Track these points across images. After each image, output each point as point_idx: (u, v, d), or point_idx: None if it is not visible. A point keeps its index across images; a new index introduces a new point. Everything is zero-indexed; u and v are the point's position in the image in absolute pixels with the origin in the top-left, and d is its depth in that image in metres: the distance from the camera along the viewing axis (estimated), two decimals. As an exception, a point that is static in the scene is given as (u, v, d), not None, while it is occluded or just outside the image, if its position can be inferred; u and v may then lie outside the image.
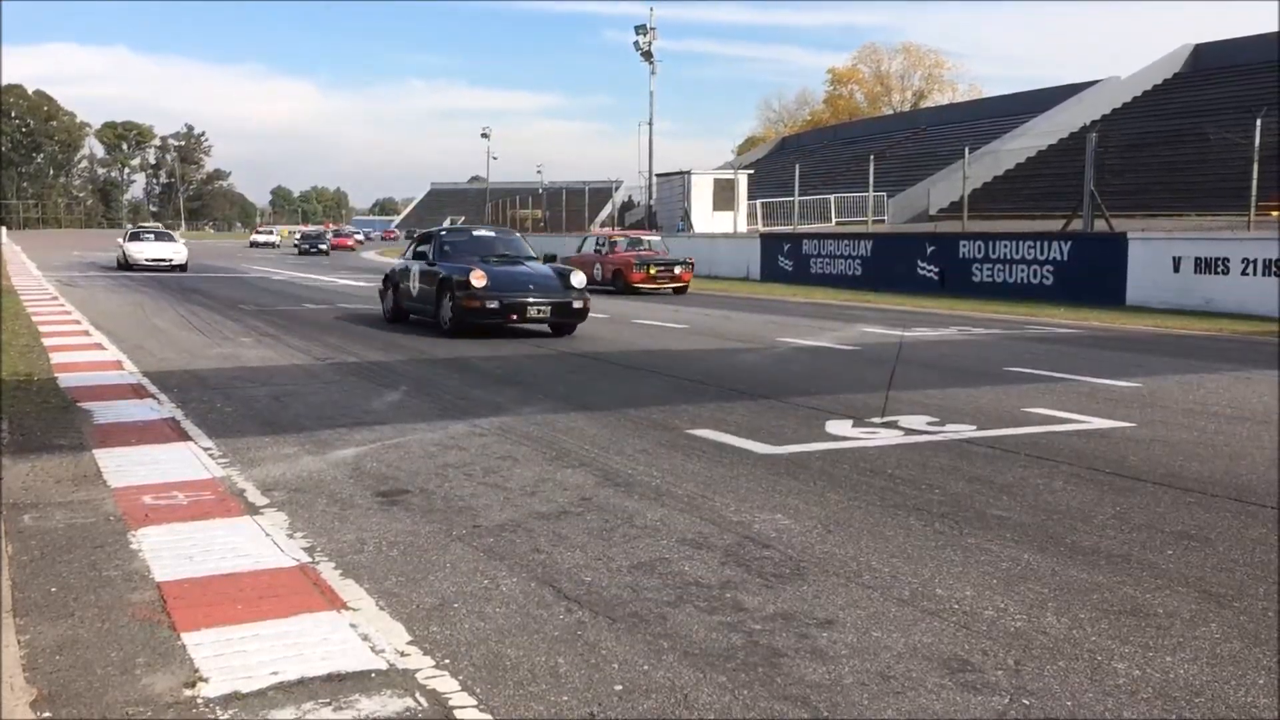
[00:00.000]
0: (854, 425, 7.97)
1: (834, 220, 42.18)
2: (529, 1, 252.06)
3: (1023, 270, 22.84)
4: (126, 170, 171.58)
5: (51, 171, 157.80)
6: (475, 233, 17.61)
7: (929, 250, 25.61)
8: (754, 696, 3.41)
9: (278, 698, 3.38)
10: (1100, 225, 22.94)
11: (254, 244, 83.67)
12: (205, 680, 3.48)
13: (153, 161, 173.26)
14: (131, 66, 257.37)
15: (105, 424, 7.88)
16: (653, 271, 25.01)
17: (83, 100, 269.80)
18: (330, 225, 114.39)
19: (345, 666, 3.60)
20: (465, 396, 9.43)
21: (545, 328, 14.69)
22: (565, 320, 14.58)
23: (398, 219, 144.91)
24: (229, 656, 3.67)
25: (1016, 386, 10.12)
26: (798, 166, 35.64)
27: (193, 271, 34.89)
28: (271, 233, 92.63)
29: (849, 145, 64.75)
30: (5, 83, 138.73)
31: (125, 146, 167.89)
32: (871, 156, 36.25)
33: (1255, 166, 20.89)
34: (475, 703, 3.35)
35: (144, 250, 35.70)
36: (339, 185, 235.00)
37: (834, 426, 7.92)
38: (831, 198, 44.03)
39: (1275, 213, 25.95)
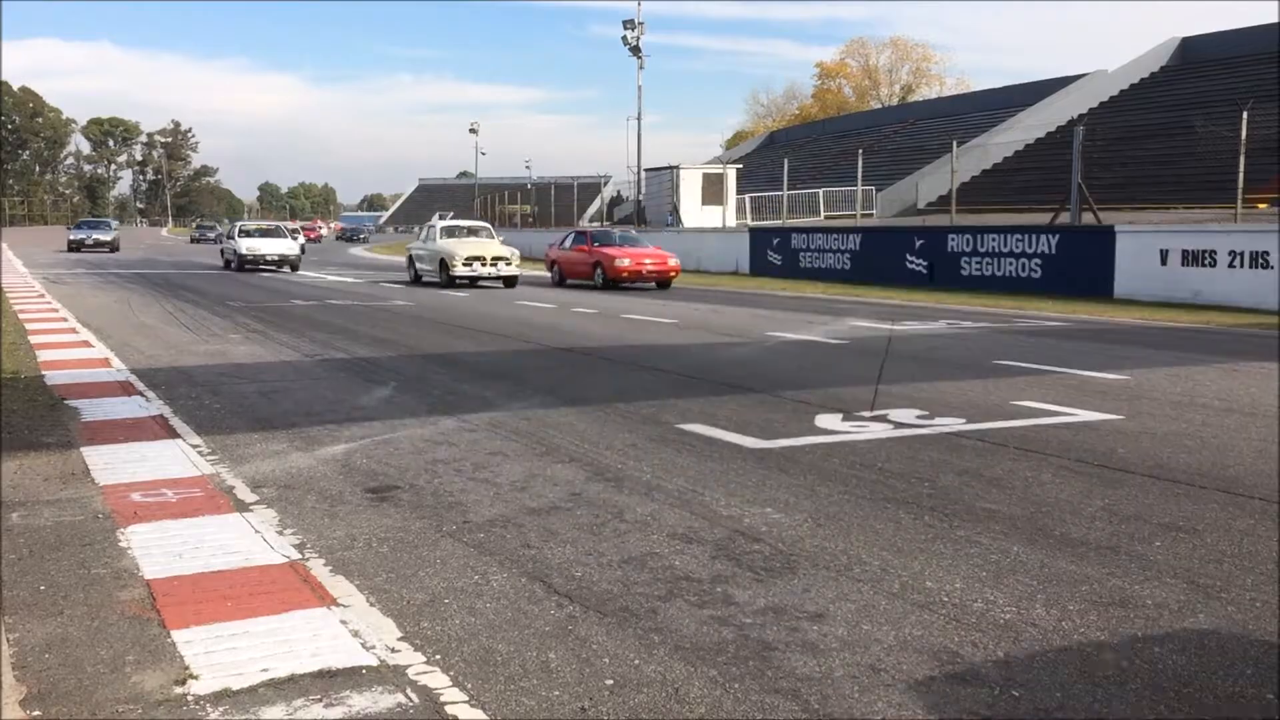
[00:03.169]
0: (844, 419, 7.98)
1: (823, 214, 42.27)
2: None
3: (1011, 263, 22.89)
4: (113, 167, 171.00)
5: (37, 168, 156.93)
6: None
7: (917, 244, 25.64)
8: (745, 690, 3.41)
9: (268, 694, 3.37)
10: (1088, 218, 22.99)
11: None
12: (195, 677, 3.48)
13: (139, 158, 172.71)
14: (116, 62, 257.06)
15: (93, 421, 7.85)
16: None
17: (68, 96, 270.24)
18: (318, 221, 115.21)
19: (336, 663, 3.59)
20: (454, 392, 9.41)
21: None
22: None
23: (385, 214, 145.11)
24: (219, 653, 3.66)
25: (1005, 379, 10.15)
26: (786, 160, 35.61)
27: (178, 268, 35.43)
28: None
29: (838, 139, 64.83)
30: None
31: (111, 143, 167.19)
32: (860, 150, 36.27)
33: (1242, 159, 20.97)
34: (466, 698, 3.35)
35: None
36: (327, 181, 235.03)
37: (824, 420, 7.93)
38: (820, 191, 44.14)
39: (1262, 205, 26.06)
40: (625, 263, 24.99)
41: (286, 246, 34.29)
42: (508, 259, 25.56)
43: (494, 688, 3.43)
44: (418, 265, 27.57)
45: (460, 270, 25.05)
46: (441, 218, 37.77)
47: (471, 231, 27.86)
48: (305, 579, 4.44)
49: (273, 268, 33.40)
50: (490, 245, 26.15)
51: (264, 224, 40.71)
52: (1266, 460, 6.64)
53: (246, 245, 33.72)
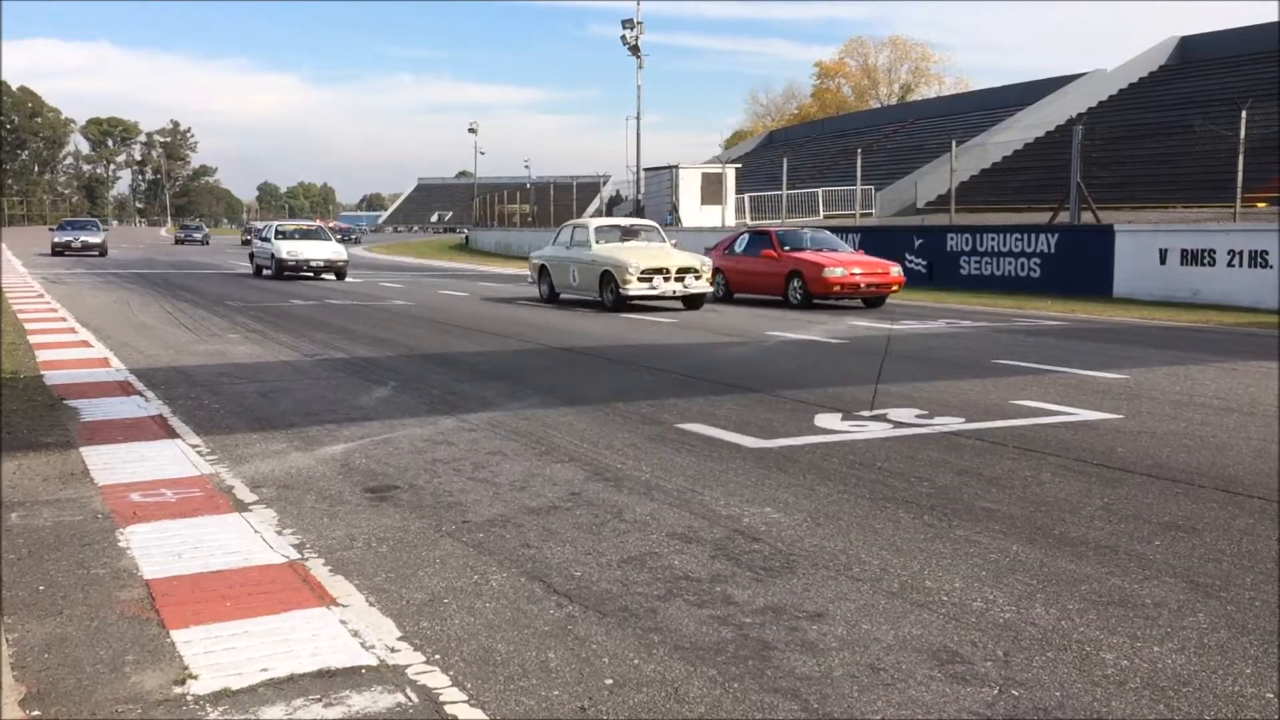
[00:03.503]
0: (843, 419, 7.98)
1: (822, 214, 42.25)
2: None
3: (1010, 263, 22.90)
4: (112, 167, 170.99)
5: (36, 168, 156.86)
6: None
7: (917, 243, 25.65)
8: (744, 689, 3.41)
9: (268, 694, 3.37)
10: (1087, 217, 23.01)
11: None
12: (195, 677, 3.47)
13: (138, 158, 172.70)
14: (116, 62, 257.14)
15: (92, 421, 7.85)
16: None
17: (67, 96, 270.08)
18: (318, 220, 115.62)
19: (335, 663, 3.59)
20: (453, 391, 9.41)
21: None
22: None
23: (385, 214, 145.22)
24: (218, 653, 3.66)
25: (1004, 379, 10.15)
26: (785, 160, 35.64)
27: (178, 268, 35.41)
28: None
29: (837, 139, 64.83)
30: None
31: (110, 143, 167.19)
32: (859, 150, 36.27)
33: (1241, 158, 20.98)
34: (466, 698, 3.35)
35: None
36: (326, 180, 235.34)
37: (823, 420, 7.93)
38: (819, 191, 44.11)
39: (1261, 204, 26.08)
40: (838, 273, 18.47)
41: (333, 250, 29.18)
42: (697, 271, 18.56)
43: (494, 687, 3.43)
44: (555, 279, 20.33)
45: (635, 288, 18.06)
46: (441, 218, 37.41)
47: (629, 232, 20.31)
48: (304, 579, 4.44)
49: (312, 275, 28.59)
50: (670, 253, 19.09)
51: (303, 224, 34.87)
52: (1265, 459, 6.65)
53: (288, 249, 28.66)
